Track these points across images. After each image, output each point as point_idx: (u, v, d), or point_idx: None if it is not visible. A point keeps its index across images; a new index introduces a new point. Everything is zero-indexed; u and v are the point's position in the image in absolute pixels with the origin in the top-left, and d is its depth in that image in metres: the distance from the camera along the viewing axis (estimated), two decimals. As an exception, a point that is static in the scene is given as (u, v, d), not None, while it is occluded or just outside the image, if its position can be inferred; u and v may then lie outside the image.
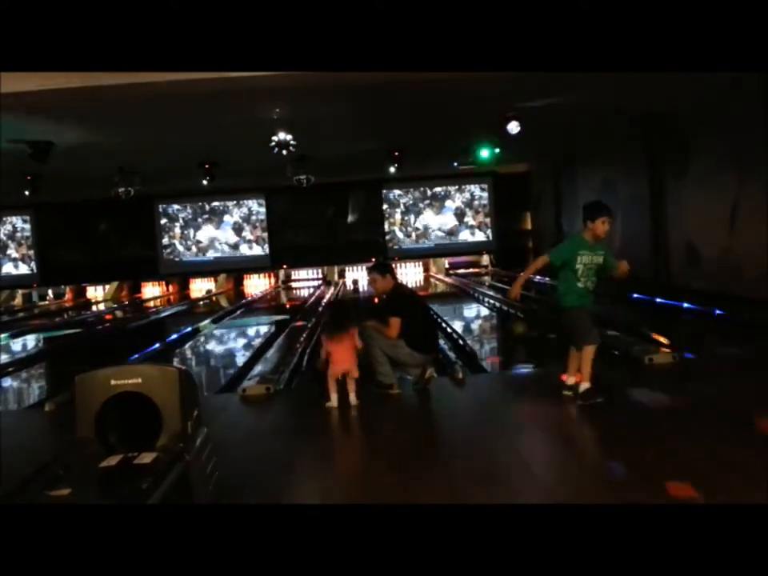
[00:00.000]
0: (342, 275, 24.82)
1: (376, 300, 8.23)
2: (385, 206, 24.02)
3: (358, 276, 24.27)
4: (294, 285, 24.88)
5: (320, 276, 24.99)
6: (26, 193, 15.93)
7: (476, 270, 24.56)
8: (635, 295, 12.59)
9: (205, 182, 16.48)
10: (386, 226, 23.95)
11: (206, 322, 13.60)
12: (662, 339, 7.68)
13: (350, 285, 23.57)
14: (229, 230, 24.01)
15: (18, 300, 24.79)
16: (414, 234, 24.00)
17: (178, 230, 24.17)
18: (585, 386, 5.27)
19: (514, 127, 12.12)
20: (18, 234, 24.00)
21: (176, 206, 24.04)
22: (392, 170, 16.78)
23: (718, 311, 9.85)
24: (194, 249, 24.10)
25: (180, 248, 24.13)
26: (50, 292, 25.14)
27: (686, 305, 10.82)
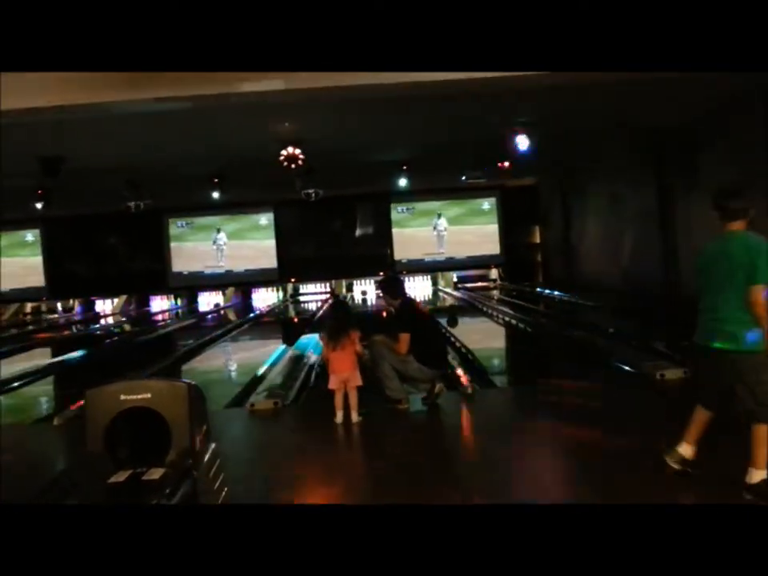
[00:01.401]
0: (350, 289, 24.83)
1: (384, 314, 8.20)
2: (392, 219, 24.04)
3: (366, 288, 24.32)
4: (301, 298, 24.89)
5: (328, 289, 25.01)
6: (38, 206, 16.02)
7: (484, 283, 24.53)
8: (646, 308, 12.50)
9: (215, 196, 16.55)
10: (394, 240, 23.96)
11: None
12: (674, 354, 7.61)
13: (358, 297, 23.62)
14: (238, 243, 24.10)
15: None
16: (421, 248, 23.97)
17: (186, 244, 24.26)
18: (758, 474, 3.56)
19: (522, 141, 12.12)
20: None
21: (185, 220, 24.14)
22: (402, 182, 16.82)
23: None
24: (202, 262, 24.16)
25: (188, 261, 24.19)
26: (58, 305, 25.23)
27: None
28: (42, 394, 9.91)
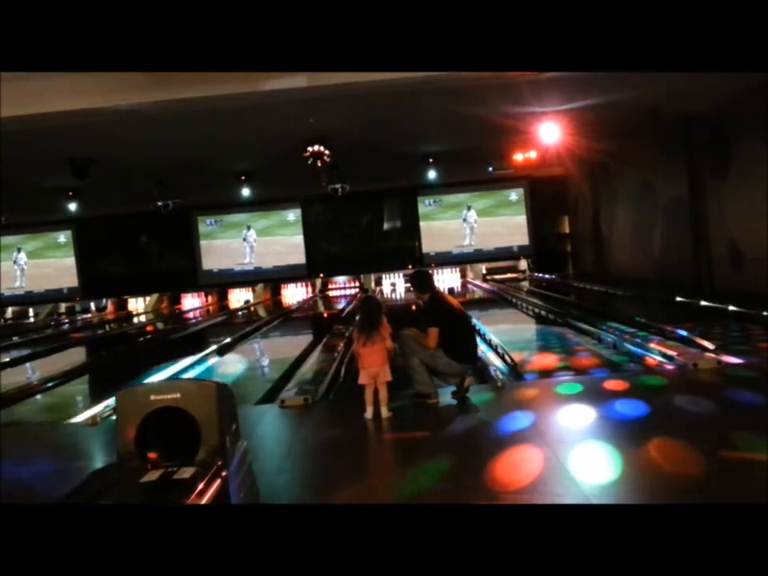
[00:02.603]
0: (378, 283, 24.88)
1: (414, 308, 8.18)
2: (420, 213, 24.00)
3: (395, 281, 24.41)
4: (330, 293, 24.99)
5: (357, 284, 25.09)
6: (71, 208, 16.30)
7: (514, 275, 24.40)
8: (678, 299, 12.33)
9: (245, 193, 16.68)
10: (422, 233, 23.92)
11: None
12: (707, 344, 7.50)
13: (387, 290, 23.70)
14: (266, 240, 24.26)
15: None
16: (449, 240, 23.90)
17: (215, 241, 24.47)
18: None
19: (550, 130, 12.01)
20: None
21: (213, 218, 24.35)
22: (431, 175, 16.79)
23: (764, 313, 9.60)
24: (232, 259, 24.34)
25: (218, 259, 24.39)
26: (92, 305, 25.62)
27: (731, 308, 10.56)
28: (78, 393, 10.05)
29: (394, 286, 24.11)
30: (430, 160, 16.07)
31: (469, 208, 23.88)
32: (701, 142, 13.97)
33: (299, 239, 24.21)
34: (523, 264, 24.65)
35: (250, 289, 25.11)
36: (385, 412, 5.70)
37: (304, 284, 25.39)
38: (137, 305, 25.57)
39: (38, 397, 9.31)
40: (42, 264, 24.47)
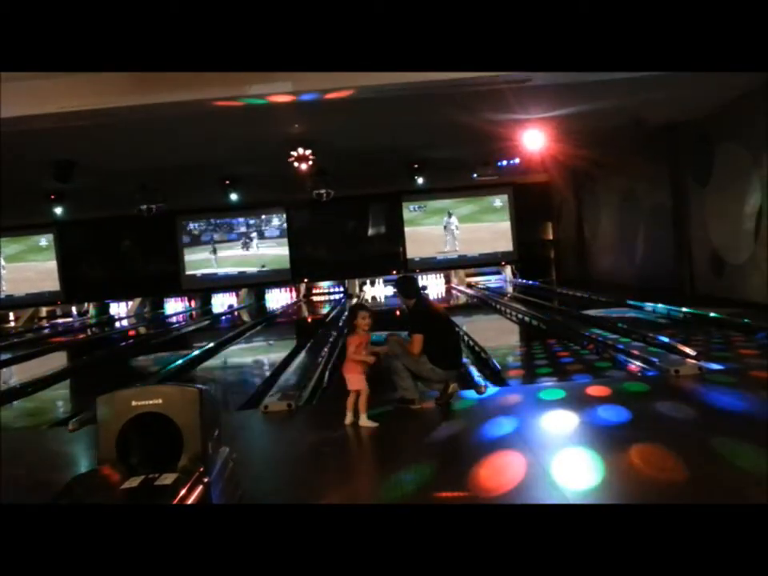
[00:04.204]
0: (362, 288, 24.88)
1: (398, 313, 8.18)
2: (404, 218, 24.01)
3: (378, 288, 24.40)
4: (315, 299, 24.96)
5: (341, 289, 25.08)
6: (57, 212, 16.20)
7: (497, 279, 24.50)
8: (660, 305, 12.40)
9: (232, 197, 16.64)
10: (406, 238, 23.93)
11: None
12: (688, 350, 7.55)
13: (371, 296, 23.71)
14: (250, 244, 24.18)
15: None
16: (434, 246, 23.92)
17: (199, 246, 24.34)
18: None
19: (534, 137, 12.07)
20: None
21: (198, 222, 24.23)
22: (414, 181, 16.83)
23: (745, 320, 9.69)
24: (215, 263, 24.23)
25: (202, 263, 24.27)
26: (73, 309, 25.39)
27: (712, 314, 10.64)
28: (59, 398, 9.95)
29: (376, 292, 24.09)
30: (415, 166, 16.10)
31: (450, 215, 23.89)
32: (683, 149, 14.09)
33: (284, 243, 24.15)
34: (508, 270, 24.72)
35: (234, 293, 25.02)
36: (363, 419, 5.67)
37: (288, 289, 25.32)
38: (119, 309, 25.31)
39: (17, 402, 9.20)
40: (24, 267, 24.21)
